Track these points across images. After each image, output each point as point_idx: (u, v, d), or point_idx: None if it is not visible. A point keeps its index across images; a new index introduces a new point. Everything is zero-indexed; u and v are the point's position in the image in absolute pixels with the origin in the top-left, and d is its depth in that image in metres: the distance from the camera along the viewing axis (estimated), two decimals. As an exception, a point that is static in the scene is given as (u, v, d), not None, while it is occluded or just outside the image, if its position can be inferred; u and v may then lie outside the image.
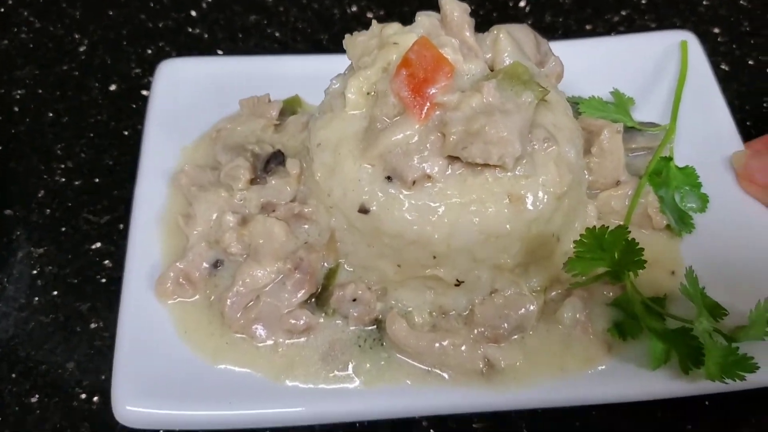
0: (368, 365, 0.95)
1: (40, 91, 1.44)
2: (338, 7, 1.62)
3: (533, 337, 0.97)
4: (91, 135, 1.37)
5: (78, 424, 1.03)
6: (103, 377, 1.06)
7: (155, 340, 0.96)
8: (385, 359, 0.96)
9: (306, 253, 0.98)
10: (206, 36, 1.57)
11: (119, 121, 1.36)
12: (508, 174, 0.89)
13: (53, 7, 1.60)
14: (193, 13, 1.60)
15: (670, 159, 1.13)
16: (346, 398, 0.93)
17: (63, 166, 1.32)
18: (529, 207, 0.90)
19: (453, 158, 0.89)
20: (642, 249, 0.89)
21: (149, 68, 1.48)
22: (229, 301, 0.97)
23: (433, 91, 0.89)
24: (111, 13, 1.59)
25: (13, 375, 1.08)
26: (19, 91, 1.44)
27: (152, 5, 1.61)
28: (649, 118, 1.22)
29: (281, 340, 0.97)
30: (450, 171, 0.89)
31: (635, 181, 1.11)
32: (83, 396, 1.05)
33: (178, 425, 0.91)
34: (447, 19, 0.99)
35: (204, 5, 1.62)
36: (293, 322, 0.96)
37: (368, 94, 0.95)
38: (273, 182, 1.04)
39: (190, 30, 1.58)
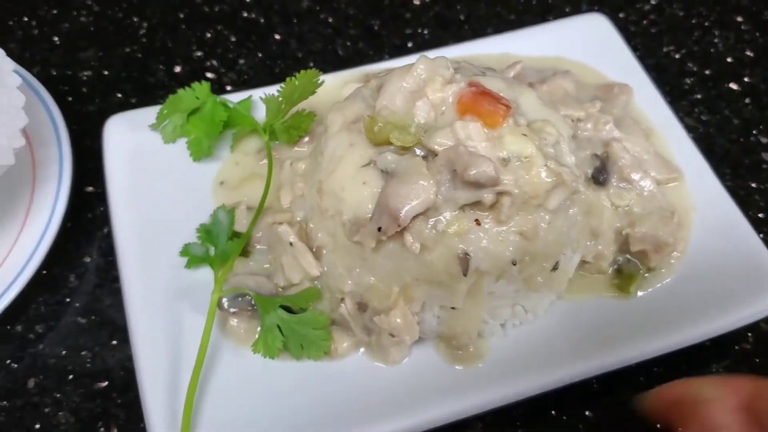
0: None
1: (106, 72, 1.62)
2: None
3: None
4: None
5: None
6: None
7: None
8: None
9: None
10: (262, 20, 1.73)
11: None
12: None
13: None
14: (248, -2, 1.74)
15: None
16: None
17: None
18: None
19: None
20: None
21: (210, 51, 1.66)
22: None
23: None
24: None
25: (114, 342, 1.25)
26: (85, 73, 1.62)
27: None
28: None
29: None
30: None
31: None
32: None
33: None
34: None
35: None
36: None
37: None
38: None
39: (245, 14, 1.74)
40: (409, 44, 1.71)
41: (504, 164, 1.03)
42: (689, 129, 1.51)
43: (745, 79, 1.62)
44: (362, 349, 1.15)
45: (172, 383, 1.10)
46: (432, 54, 1.44)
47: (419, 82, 1.09)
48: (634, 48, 1.62)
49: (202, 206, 1.29)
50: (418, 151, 1.06)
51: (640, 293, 1.22)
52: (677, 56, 1.69)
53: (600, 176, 1.25)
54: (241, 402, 1.10)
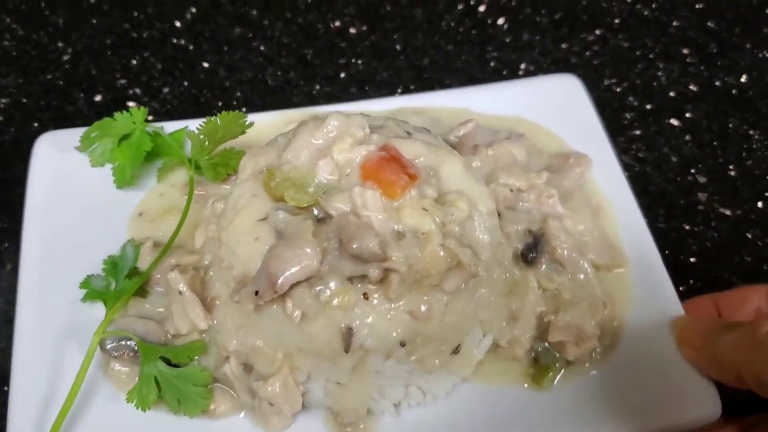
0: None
1: (25, 100, 1.57)
2: (322, 23, 1.76)
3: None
4: (78, 145, 1.46)
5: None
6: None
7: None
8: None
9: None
10: (191, 47, 1.69)
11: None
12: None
13: (36, 14, 1.72)
14: (178, 24, 1.73)
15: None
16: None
17: (49, 176, 1.42)
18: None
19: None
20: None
21: (134, 79, 1.62)
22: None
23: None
24: (94, 21, 1.72)
25: (6, 388, 1.18)
26: (3, 100, 1.57)
27: (136, 14, 1.73)
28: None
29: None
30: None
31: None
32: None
33: None
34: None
35: (188, 16, 1.74)
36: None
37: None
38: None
39: (174, 41, 1.70)
40: (342, 75, 1.67)
41: (399, 238, 0.97)
42: (625, 167, 1.46)
43: (687, 115, 1.60)
44: (243, 413, 1.10)
45: (39, 424, 1.06)
46: (390, 101, 1.42)
47: (328, 140, 1.04)
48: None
49: (117, 237, 1.26)
50: (316, 212, 1.01)
51: (557, 385, 1.14)
52: (618, 89, 1.65)
53: (529, 254, 1.19)
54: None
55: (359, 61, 1.70)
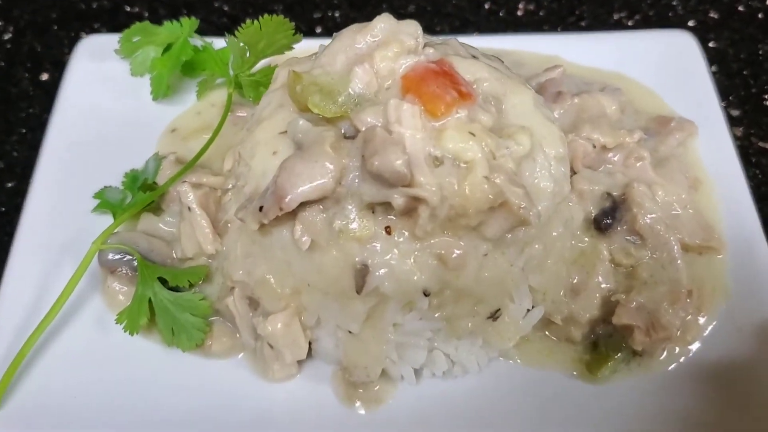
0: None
1: None
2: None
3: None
4: (23, 131, 1.35)
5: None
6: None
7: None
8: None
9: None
10: (146, 15, 1.55)
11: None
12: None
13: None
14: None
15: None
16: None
17: (-6, 166, 1.30)
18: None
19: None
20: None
21: None
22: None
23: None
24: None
25: None
26: None
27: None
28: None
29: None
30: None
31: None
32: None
33: None
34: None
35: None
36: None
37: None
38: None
39: (128, 9, 1.56)
40: (318, 29, 1.52)
41: (436, 164, 0.82)
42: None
43: (711, 44, 1.47)
44: (241, 354, 0.98)
45: (22, 329, 0.98)
46: (470, 39, 1.26)
47: (371, 45, 0.90)
48: (579, 17, 1.49)
49: (146, 152, 1.17)
50: (344, 130, 0.87)
51: (616, 379, 0.96)
52: (630, 23, 1.50)
53: (604, 220, 1.01)
54: (81, 372, 0.96)
55: (336, 14, 1.55)
